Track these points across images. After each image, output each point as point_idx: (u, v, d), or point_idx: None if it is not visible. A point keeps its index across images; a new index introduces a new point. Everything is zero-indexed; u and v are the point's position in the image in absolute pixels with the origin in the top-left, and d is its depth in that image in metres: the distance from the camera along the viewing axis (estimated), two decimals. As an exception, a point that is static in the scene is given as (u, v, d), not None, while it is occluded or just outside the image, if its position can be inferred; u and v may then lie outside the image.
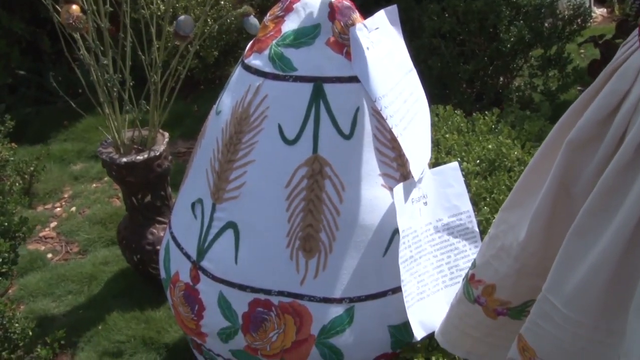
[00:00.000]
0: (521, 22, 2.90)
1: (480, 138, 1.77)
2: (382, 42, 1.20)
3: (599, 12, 4.59)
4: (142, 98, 1.88)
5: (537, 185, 0.88)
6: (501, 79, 3.24)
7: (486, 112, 1.89)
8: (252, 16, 1.71)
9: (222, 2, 3.88)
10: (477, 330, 1.04)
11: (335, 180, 1.12)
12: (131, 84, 1.91)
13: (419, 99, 1.29)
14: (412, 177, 1.20)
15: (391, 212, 1.17)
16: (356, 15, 1.19)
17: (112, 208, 2.72)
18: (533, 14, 2.90)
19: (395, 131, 1.14)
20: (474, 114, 1.94)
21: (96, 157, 3.37)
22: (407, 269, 1.17)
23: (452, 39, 3.07)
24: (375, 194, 1.16)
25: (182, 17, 1.56)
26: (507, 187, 1.47)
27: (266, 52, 1.16)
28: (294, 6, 1.17)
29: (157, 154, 1.89)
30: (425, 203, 1.25)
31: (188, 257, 1.27)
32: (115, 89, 1.77)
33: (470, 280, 0.99)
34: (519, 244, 0.88)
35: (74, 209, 2.77)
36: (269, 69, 1.14)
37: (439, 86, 3.16)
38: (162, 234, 2.01)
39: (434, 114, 1.97)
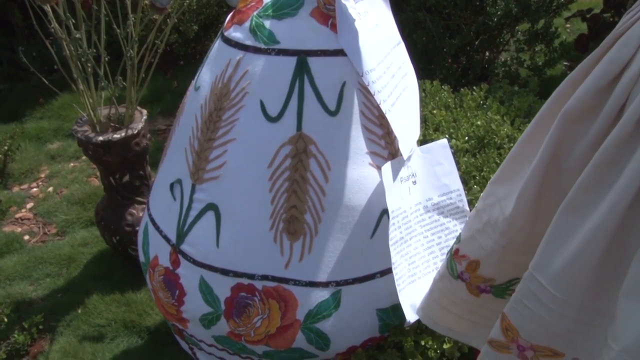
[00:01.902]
0: (508, -6, 2.84)
1: (469, 114, 1.73)
2: (369, 13, 1.14)
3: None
4: (119, 74, 1.80)
5: (527, 158, 0.84)
6: (487, 53, 3.19)
7: (474, 88, 1.84)
8: (232, -13, 1.63)
9: (202, -25, 3.77)
10: (459, 308, 1.00)
11: (321, 158, 1.07)
12: (106, 59, 1.83)
13: (408, 74, 1.24)
14: (401, 155, 1.15)
15: (379, 192, 1.12)
16: (342, -16, 1.13)
17: (91, 188, 2.64)
18: (520, -14, 2.84)
19: (383, 107, 1.09)
20: (461, 89, 1.89)
21: (73, 135, 3.29)
22: (398, 251, 1.13)
23: (437, 12, 3.00)
24: (362, 173, 1.11)
25: (158, -12, 1.48)
26: (496, 164, 1.42)
27: (247, 23, 1.09)
28: (276, -25, 1.10)
29: (135, 132, 1.82)
30: (415, 182, 1.20)
31: (167, 240, 1.22)
32: (89, 65, 1.69)
33: (454, 255, 0.95)
34: (505, 219, 0.85)
35: (51, 189, 2.69)
36: (250, 41, 1.08)
37: (424, 61, 3.10)
38: (141, 215, 1.94)
39: (420, 89, 1.91)
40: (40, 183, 2.79)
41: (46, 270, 2.10)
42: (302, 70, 1.05)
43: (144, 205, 1.95)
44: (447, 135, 1.58)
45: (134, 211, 1.95)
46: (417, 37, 2.98)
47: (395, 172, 1.14)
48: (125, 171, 1.91)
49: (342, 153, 1.08)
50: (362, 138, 1.10)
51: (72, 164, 2.92)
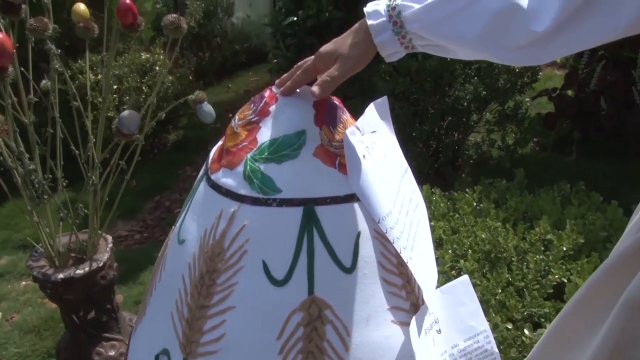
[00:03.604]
0: (475, 79, 2.81)
1: (465, 221, 1.61)
2: (376, 143, 1.01)
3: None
4: (78, 202, 1.61)
5: (574, 337, 0.73)
6: (455, 135, 3.14)
7: (467, 190, 1.73)
8: (205, 102, 1.50)
9: (157, 68, 3.65)
10: None
11: (338, 324, 0.90)
12: (64, 184, 1.64)
13: (418, 204, 1.10)
14: (424, 304, 0.99)
15: (405, 351, 0.96)
16: (346, 115, 1.00)
17: (47, 311, 2.38)
18: (487, 70, 2.82)
19: (404, 256, 0.94)
20: (454, 193, 1.78)
21: (24, 247, 3.02)
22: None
23: (405, 98, 2.95)
24: (385, 333, 0.94)
25: (125, 113, 1.32)
26: (511, 285, 1.29)
27: (239, 168, 0.94)
28: (270, 109, 0.96)
29: (100, 264, 1.62)
30: (439, 330, 1.04)
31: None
32: (45, 197, 1.50)
33: None
34: None
35: (-1, 315, 2.42)
36: (245, 190, 0.92)
37: (395, 147, 3.01)
38: (111, 353, 1.71)
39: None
40: (-13, 308, 2.52)
41: None
42: (310, 223, 0.90)
43: (113, 342, 1.73)
44: (449, 250, 1.44)
45: (102, 350, 1.72)
46: (386, 124, 2.89)
47: (420, 325, 0.98)
48: (90, 307, 1.70)
49: (361, 314, 0.92)
50: (382, 293, 0.94)
51: (23, 283, 2.66)
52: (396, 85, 2.86)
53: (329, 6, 3.47)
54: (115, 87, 3.41)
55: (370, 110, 1.03)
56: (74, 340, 1.73)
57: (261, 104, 0.97)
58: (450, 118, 3.00)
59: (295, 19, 3.66)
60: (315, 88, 0.95)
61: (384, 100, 1.07)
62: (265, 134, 0.94)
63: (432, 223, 1.57)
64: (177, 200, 3.38)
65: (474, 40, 0.87)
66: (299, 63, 1.04)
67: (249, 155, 0.94)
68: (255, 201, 0.91)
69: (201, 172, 1.06)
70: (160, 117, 1.65)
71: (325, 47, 0.98)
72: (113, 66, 3.45)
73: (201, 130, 4.24)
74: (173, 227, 1.10)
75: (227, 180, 0.95)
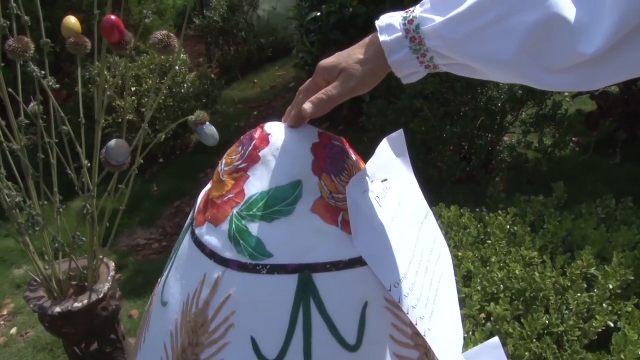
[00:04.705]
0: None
1: (498, 249, 1.44)
2: (389, 189, 0.86)
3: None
4: (75, 230, 1.49)
5: None
6: (489, 136, 2.95)
7: (499, 212, 1.56)
8: (207, 124, 1.36)
9: (177, 68, 3.54)
10: None
11: (341, 413, 0.76)
12: (61, 209, 1.53)
13: (441, 254, 0.94)
14: (446, 379, 0.84)
15: None
16: (352, 160, 0.85)
17: (60, 329, 2.30)
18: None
19: (421, 328, 0.79)
20: (485, 217, 1.60)
21: (44, 254, 2.96)
22: None
23: (435, 99, 2.77)
24: (399, 419, 0.80)
25: (112, 143, 1.18)
26: (550, 335, 1.12)
27: (224, 225, 0.79)
28: (261, 154, 0.81)
29: (101, 295, 1.51)
30: (464, 406, 0.89)
31: None
32: (37, 228, 1.39)
33: None
34: None
35: (14, 330, 2.35)
36: (230, 253, 0.78)
37: (424, 151, 2.85)
38: (114, 387, 1.61)
39: (436, 215, 1.63)
40: (2, 322, 2.45)
41: None
42: (306, 293, 0.75)
43: (117, 375, 1.63)
44: (478, 287, 1.28)
45: (105, 383, 1.61)
46: (415, 127, 2.73)
47: (441, 404, 0.83)
48: (93, 339, 1.59)
49: (369, 401, 0.77)
50: (394, 373, 0.79)
51: (39, 296, 2.58)
52: (425, 85, 2.68)
53: (352, 1, 3.29)
54: (134, 89, 3.30)
55: (384, 148, 0.88)
56: (78, 372, 1.63)
57: (250, 148, 0.82)
58: (482, 119, 2.82)
59: (318, 14, 3.49)
60: (307, 105, 0.80)
61: (399, 135, 0.91)
62: (254, 185, 0.80)
63: (459, 254, 1.41)
64: (198, 206, 3.27)
65: (509, 62, 0.70)
66: (301, 88, 0.89)
67: (235, 211, 0.79)
68: (242, 267, 0.77)
69: (188, 220, 0.93)
70: (169, 133, 1.52)
71: (327, 61, 0.82)
72: (131, 67, 3.35)
73: (225, 130, 4.12)
74: (160, 280, 0.98)
75: (211, 239, 0.81)
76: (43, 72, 1.26)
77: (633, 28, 0.62)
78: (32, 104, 1.33)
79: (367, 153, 0.84)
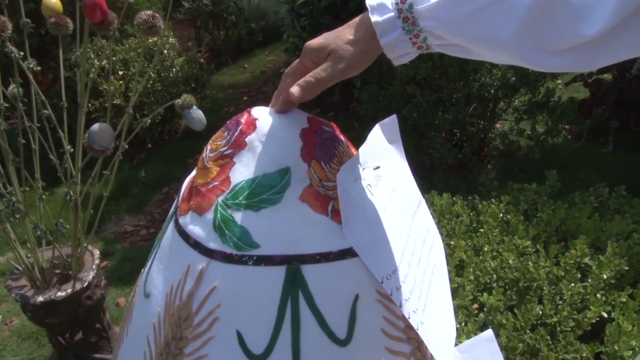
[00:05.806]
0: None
1: (490, 237, 1.42)
2: (382, 177, 0.82)
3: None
4: (59, 216, 1.45)
5: None
6: (481, 123, 2.92)
7: (492, 200, 1.53)
8: (194, 108, 1.32)
9: (165, 51, 3.47)
10: None
11: (330, 409, 0.73)
12: (43, 196, 1.49)
13: (434, 244, 0.91)
14: (438, 373, 0.82)
15: None
16: (343, 146, 0.81)
17: (45, 317, 2.26)
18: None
19: (413, 321, 0.76)
20: (478, 205, 1.58)
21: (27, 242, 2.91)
22: None
23: (427, 85, 2.73)
24: (390, 415, 0.77)
25: (95, 127, 1.14)
26: (543, 326, 1.10)
27: (209, 214, 0.76)
28: (247, 140, 0.78)
29: (85, 284, 1.47)
30: (457, 400, 0.87)
31: None
32: (17, 215, 1.35)
33: None
34: None
35: (-1, 318, 2.32)
36: (215, 244, 0.74)
37: (416, 137, 2.82)
38: (100, 376, 1.58)
39: (428, 202, 1.60)
40: (-14, 311, 2.41)
41: None
42: (294, 286, 0.72)
43: (104, 363, 1.60)
44: (471, 277, 1.26)
45: (90, 373, 1.58)
46: (406, 113, 2.70)
47: (433, 399, 0.81)
48: (77, 329, 1.56)
49: (359, 396, 0.75)
50: (385, 367, 0.76)
51: (24, 283, 2.53)
52: (417, 70, 2.64)
53: (344, -16, 3.24)
54: (121, 72, 3.24)
55: (376, 134, 0.84)
56: (62, 362, 1.60)
57: (236, 133, 0.78)
58: (475, 105, 2.79)
59: (309, -2, 3.44)
60: (295, 89, 0.76)
61: (392, 121, 0.88)
62: (240, 173, 0.76)
63: (452, 242, 1.38)
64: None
65: (508, 42, 0.67)
66: (287, 70, 0.86)
67: (220, 200, 0.76)
68: (227, 258, 0.73)
69: (172, 209, 0.89)
70: (156, 118, 1.47)
71: (314, 41, 0.78)
72: (118, 50, 3.28)
73: (214, 115, 4.07)
74: (142, 270, 0.94)
75: (195, 228, 0.77)
76: (22, 53, 1.21)
77: (633, 9, 0.59)
78: (11, 86, 1.28)
79: (358, 139, 0.80)
